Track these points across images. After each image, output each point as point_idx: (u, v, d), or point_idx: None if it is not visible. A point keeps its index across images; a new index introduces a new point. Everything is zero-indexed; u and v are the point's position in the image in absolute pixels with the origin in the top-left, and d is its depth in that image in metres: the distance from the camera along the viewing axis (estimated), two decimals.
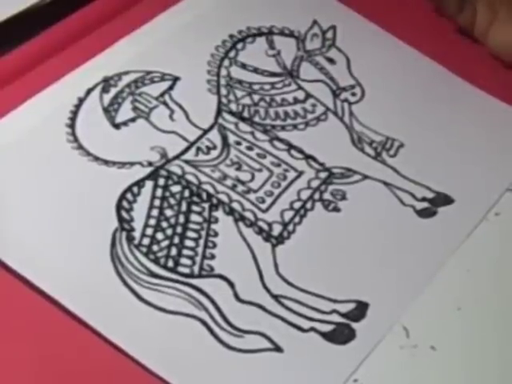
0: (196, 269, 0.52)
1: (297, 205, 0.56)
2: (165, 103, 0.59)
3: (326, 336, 0.51)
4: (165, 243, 0.53)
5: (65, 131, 0.57)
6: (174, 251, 0.53)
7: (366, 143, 0.60)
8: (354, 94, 0.63)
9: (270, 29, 0.65)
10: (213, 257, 0.53)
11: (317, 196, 0.57)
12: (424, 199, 0.58)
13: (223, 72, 0.62)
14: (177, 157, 0.57)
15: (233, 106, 0.60)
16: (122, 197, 0.54)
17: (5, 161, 0.55)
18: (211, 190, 0.56)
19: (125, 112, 0.58)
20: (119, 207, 0.54)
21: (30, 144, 0.56)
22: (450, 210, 0.58)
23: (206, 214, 0.55)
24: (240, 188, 0.56)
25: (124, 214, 0.54)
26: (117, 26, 0.63)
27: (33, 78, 0.59)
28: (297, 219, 0.56)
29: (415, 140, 0.61)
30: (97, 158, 0.56)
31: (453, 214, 0.57)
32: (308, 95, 0.62)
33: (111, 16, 0.63)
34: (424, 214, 0.57)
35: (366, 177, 0.59)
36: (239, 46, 0.64)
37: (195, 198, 0.55)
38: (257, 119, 0.60)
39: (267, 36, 0.65)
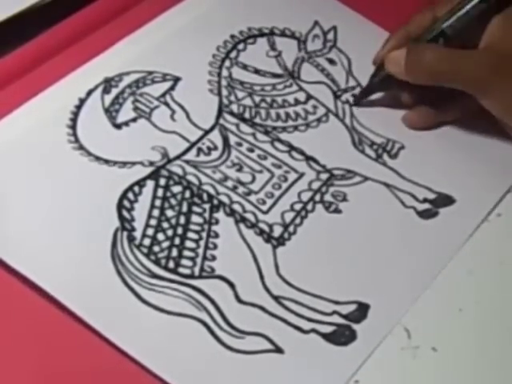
0: (197, 270, 0.52)
1: (297, 206, 0.56)
2: (166, 103, 0.59)
3: (327, 337, 0.51)
4: (166, 244, 0.53)
5: (66, 132, 0.57)
6: (174, 252, 0.53)
7: (367, 145, 0.60)
8: (354, 96, 0.63)
9: (272, 29, 0.65)
10: (213, 258, 0.53)
11: (318, 197, 0.57)
12: (425, 200, 0.58)
13: (224, 73, 0.62)
14: (178, 157, 0.57)
15: (234, 107, 0.60)
16: (124, 196, 0.54)
17: (6, 161, 0.55)
18: (212, 191, 0.56)
19: (126, 112, 0.58)
20: (120, 206, 0.54)
21: (31, 144, 0.56)
22: (451, 211, 0.57)
23: (206, 215, 0.55)
24: (241, 189, 0.56)
25: (125, 214, 0.54)
26: (118, 27, 0.63)
27: (34, 79, 0.59)
28: (297, 220, 0.56)
29: (416, 141, 0.61)
30: (98, 158, 0.56)
31: (454, 214, 0.57)
32: (309, 96, 0.62)
33: (112, 16, 0.63)
34: (425, 215, 0.57)
35: (366, 178, 0.58)
36: (240, 46, 0.64)
37: (196, 199, 0.55)
38: (258, 120, 0.60)
39: (268, 37, 0.65)
